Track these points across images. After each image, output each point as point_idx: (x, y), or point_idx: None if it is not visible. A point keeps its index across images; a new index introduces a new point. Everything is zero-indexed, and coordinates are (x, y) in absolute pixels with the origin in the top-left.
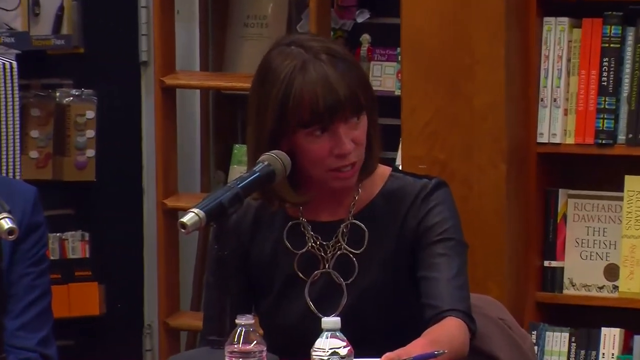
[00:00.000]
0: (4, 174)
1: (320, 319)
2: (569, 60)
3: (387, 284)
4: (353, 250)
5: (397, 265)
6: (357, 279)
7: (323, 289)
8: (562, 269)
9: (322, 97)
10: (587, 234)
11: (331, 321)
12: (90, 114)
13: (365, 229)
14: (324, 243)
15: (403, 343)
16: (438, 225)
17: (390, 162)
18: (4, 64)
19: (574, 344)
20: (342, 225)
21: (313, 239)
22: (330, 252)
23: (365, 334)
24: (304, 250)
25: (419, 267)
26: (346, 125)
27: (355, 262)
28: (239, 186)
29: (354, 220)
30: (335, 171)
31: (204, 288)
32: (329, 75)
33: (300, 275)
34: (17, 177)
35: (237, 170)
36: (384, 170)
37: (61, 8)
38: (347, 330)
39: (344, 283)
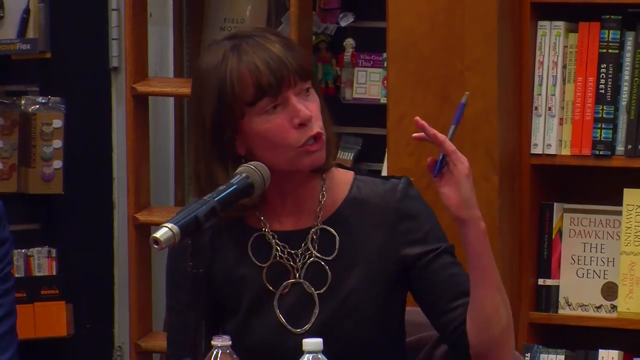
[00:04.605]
0: None
1: (294, 333)
2: (564, 66)
3: (364, 295)
4: (324, 257)
5: (377, 279)
6: (331, 288)
7: (294, 302)
8: (557, 287)
9: (264, 65)
10: (584, 251)
11: (312, 342)
12: (58, 123)
13: (335, 234)
14: (292, 252)
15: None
16: (425, 244)
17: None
18: None
19: None
20: (311, 232)
21: (280, 249)
22: (300, 261)
23: (343, 349)
24: (271, 261)
25: (428, 287)
26: (297, 95)
27: (328, 269)
28: (215, 199)
29: (323, 226)
30: (303, 147)
31: (167, 311)
32: (265, 45)
33: (270, 288)
34: None
35: None
36: (346, 175)
37: (27, 10)
38: (324, 345)
39: (315, 293)
